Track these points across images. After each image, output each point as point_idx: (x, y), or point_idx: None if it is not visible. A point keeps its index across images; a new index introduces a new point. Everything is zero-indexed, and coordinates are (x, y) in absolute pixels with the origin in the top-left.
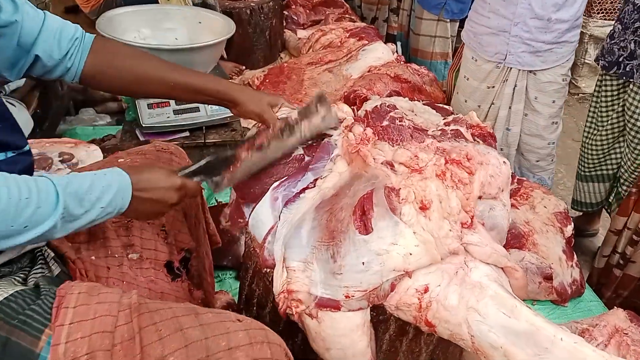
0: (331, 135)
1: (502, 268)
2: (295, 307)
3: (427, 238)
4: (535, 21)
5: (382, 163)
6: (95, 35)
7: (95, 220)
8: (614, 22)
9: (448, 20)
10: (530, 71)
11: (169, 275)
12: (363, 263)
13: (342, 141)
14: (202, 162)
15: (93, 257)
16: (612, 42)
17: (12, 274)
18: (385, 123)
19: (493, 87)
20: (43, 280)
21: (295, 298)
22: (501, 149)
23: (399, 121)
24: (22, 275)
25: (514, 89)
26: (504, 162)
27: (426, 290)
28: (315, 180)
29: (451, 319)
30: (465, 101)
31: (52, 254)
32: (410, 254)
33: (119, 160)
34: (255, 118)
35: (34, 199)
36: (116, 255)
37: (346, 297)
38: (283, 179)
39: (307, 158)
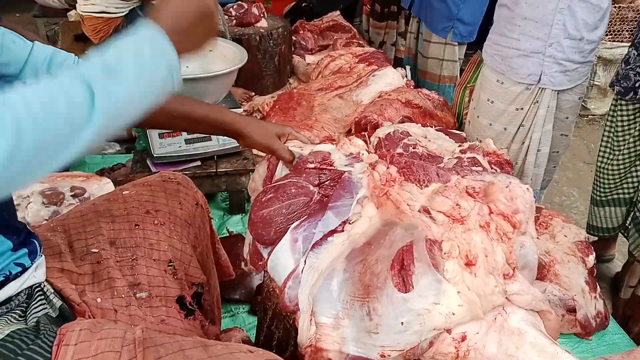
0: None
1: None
2: None
3: (472, 298)
4: (568, 41)
5: (419, 211)
6: None
7: (152, 91)
8: (627, 46)
9: (456, 43)
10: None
11: (182, 312)
12: (402, 323)
13: (368, 181)
14: None
15: (99, 300)
16: (628, 67)
17: (9, 312)
18: (399, 150)
19: (522, 108)
20: (44, 318)
21: (326, 357)
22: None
23: (413, 148)
24: (18, 312)
25: (546, 109)
26: (527, 189)
27: (464, 338)
28: (343, 223)
29: None
30: (490, 124)
31: (52, 290)
32: (453, 314)
33: (124, 193)
34: (264, 150)
35: (61, 99)
36: (123, 296)
37: (381, 356)
38: (302, 219)
39: (322, 197)
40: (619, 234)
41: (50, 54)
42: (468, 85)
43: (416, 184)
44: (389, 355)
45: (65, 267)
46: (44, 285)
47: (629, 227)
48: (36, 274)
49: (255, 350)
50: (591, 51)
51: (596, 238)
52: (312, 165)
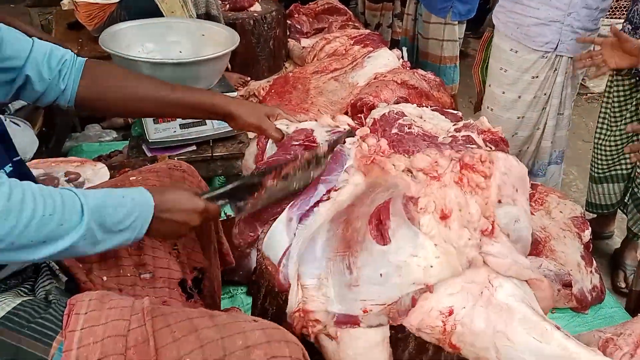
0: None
1: (526, 281)
2: (312, 327)
3: (448, 250)
4: (585, 10)
5: (402, 170)
6: (86, 58)
7: (113, 245)
8: (622, 21)
9: (456, 22)
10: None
11: (183, 295)
12: (381, 275)
13: (356, 152)
14: (228, 186)
15: (105, 278)
16: None
17: (17, 286)
18: (394, 130)
19: (537, 77)
20: (55, 290)
21: (312, 318)
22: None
23: (408, 128)
24: (27, 286)
25: (564, 76)
26: (514, 158)
27: (451, 312)
28: (328, 191)
29: (478, 342)
30: (503, 93)
31: (58, 267)
32: (431, 267)
33: (131, 179)
34: (254, 130)
35: (57, 216)
36: (128, 275)
37: (364, 311)
38: (297, 198)
39: None
40: (618, 210)
41: (49, 50)
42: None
43: (404, 155)
44: (371, 310)
45: None
46: (51, 263)
47: (628, 203)
48: None
49: (259, 320)
50: (600, 20)
51: (595, 215)
52: (297, 142)
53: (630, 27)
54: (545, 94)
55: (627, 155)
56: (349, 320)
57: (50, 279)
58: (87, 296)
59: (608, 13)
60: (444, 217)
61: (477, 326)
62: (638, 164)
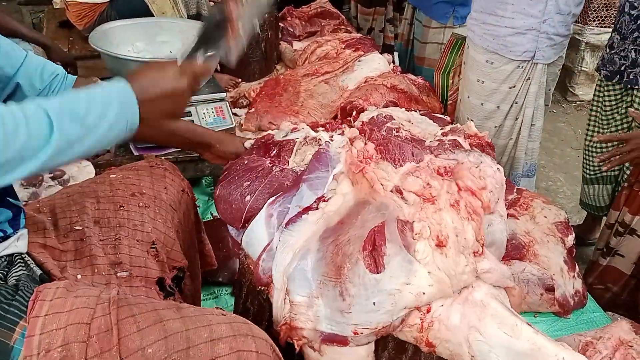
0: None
1: None
2: (297, 340)
3: (442, 278)
4: (558, 16)
5: (391, 190)
6: (77, 76)
7: (105, 140)
8: (610, 31)
9: (457, 26)
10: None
11: (161, 294)
12: (374, 303)
13: (346, 156)
14: (196, 37)
15: (79, 276)
16: (612, 52)
17: None
18: (382, 133)
19: (514, 86)
20: (25, 278)
21: (300, 334)
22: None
23: (396, 131)
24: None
25: (538, 85)
26: (497, 169)
27: (429, 310)
28: (318, 200)
29: (452, 338)
30: (482, 104)
31: (33, 262)
32: (424, 294)
33: (111, 177)
34: (232, 157)
35: (21, 130)
36: (103, 273)
37: (354, 333)
38: (278, 195)
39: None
40: (604, 217)
41: (42, 64)
42: (452, 69)
43: (391, 163)
44: (362, 333)
45: (48, 244)
46: (25, 257)
47: None
48: (18, 244)
49: (228, 314)
50: (572, 25)
51: (581, 222)
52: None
53: (618, 37)
54: (517, 103)
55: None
56: (338, 340)
57: (24, 269)
58: (55, 284)
59: (598, 21)
60: (440, 244)
61: (452, 322)
62: (626, 166)
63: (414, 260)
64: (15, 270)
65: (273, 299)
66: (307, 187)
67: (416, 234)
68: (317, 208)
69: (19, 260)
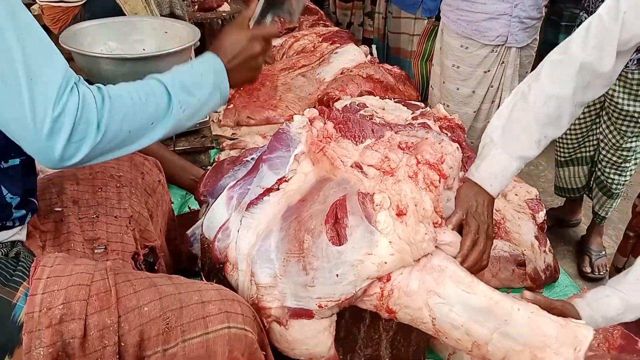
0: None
1: None
2: (266, 318)
3: (402, 247)
4: (530, 0)
5: (351, 166)
6: None
7: (206, 107)
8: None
9: (425, 18)
10: (519, 48)
11: (136, 268)
12: (337, 275)
13: (307, 137)
14: (263, 1)
15: (57, 253)
16: None
17: None
18: (341, 112)
19: (489, 71)
20: (25, 250)
21: (267, 313)
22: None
23: (370, 119)
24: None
25: (513, 68)
26: (457, 147)
27: (389, 279)
28: (279, 181)
29: (412, 304)
30: (458, 89)
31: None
32: (385, 263)
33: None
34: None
35: (151, 98)
36: (78, 250)
37: (319, 307)
38: (238, 179)
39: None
40: (586, 198)
41: None
42: (430, 56)
43: (352, 140)
44: (327, 306)
45: (30, 224)
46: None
47: (593, 187)
48: (21, 232)
49: (215, 284)
50: (543, 7)
51: (562, 204)
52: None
53: (586, 16)
54: (493, 87)
55: (591, 137)
56: (303, 314)
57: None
58: (55, 254)
59: (572, 4)
60: (400, 213)
61: (411, 288)
62: (601, 145)
63: (375, 230)
64: (16, 250)
65: (239, 281)
66: (268, 167)
67: (377, 205)
68: (278, 189)
69: (19, 244)
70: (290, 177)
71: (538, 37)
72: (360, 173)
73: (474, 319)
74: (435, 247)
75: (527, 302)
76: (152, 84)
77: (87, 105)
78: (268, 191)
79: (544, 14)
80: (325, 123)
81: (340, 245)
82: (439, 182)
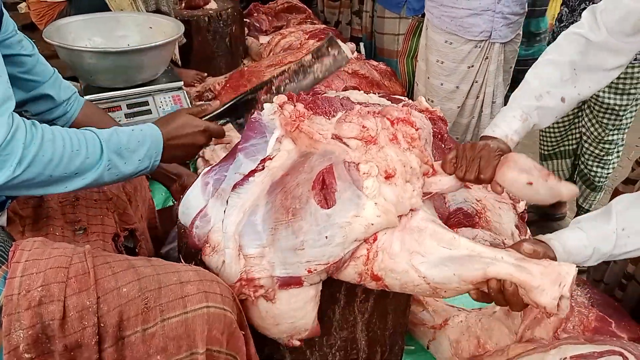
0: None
1: None
2: (254, 292)
3: (388, 208)
4: None
5: (332, 138)
6: (85, 98)
7: (136, 172)
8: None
9: (410, 17)
10: (503, 44)
11: (116, 250)
12: (326, 237)
13: (280, 120)
14: (226, 105)
15: (35, 238)
16: (562, 25)
17: None
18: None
19: (472, 66)
20: (3, 233)
21: (257, 284)
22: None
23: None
24: None
25: (497, 64)
26: (422, 116)
27: (375, 239)
28: (263, 161)
29: (396, 267)
30: (442, 84)
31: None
32: (372, 224)
33: None
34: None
35: (83, 151)
36: (57, 234)
37: (309, 271)
38: (213, 165)
39: None
40: None
41: (66, 82)
42: (416, 53)
43: (324, 116)
44: (315, 270)
45: (10, 209)
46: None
47: (576, 180)
48: (2, 218)
49: (193, 266)
50: (526, 2)
51: None
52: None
53: (567, 10)
54: (477, 82)
55: (573, 130)
56: (292, 282)
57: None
58: (33, 239)
59: None
60: (389, 176)
61: (394, 250)
62: (584, 138)
63: (362, 194)
64: None
65: (226, 258)
66: (244, 156)
67: (364, 174)
68: (262, 169)
69: None
70: (274, 155)
71: (521, 32)
72: (344, 144)
73: (463, 265)
74: (424, 201)
75: (508, 251)
76: (89, 137)
77: (16, 139)
78: (253, 172)
79: (526, 9)
80: (295, 105)
81: (329, 208)
82: (417, 134)
